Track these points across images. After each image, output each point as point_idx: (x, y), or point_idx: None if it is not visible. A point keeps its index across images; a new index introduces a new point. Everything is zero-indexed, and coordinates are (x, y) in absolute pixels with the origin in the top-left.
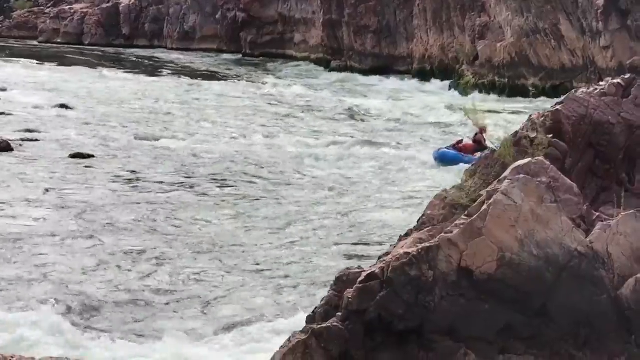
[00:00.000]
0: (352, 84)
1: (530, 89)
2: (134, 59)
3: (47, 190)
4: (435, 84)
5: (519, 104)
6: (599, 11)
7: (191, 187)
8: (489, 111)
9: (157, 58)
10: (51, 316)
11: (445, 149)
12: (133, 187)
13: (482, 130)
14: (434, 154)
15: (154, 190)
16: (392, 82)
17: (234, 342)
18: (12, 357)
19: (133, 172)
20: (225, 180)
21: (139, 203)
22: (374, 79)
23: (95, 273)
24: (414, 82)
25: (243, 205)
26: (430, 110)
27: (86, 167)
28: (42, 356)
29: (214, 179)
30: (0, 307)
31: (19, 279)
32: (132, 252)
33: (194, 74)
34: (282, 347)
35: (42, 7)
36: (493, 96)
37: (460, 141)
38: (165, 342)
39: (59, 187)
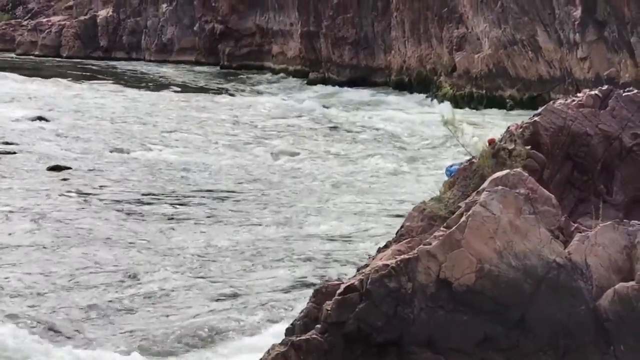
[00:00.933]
0: (327, 93)
1: (508, 100)
2: (112, 72)
3: (24, 202)
4: (413, 95)
5: (497, 115)
6: (576, 22)
7: (163, 200)
8: (468, 122)
9: (135, 70)
10: (20, 329)
11: (457, 165)
12: (108, 199)
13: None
14: (446, 171)
15: (129, 202)
16: (367, 94)
17: (211, 357)
18: None
19: (108, 184)
20: (198, 191)
21: (113, 216)
22: (354, 92)
23: (66, 285)
24: (392, 94)
25: (215, 217)
26: (407, 122)
27: (63, 179)
28: None
29: (187, 191)
30: None
31: None
32: (104, 265)
33: (171, 86)
34: (261, 359)
35: (19, 20)
36: (470, 108)
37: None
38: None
39: (36, 200)
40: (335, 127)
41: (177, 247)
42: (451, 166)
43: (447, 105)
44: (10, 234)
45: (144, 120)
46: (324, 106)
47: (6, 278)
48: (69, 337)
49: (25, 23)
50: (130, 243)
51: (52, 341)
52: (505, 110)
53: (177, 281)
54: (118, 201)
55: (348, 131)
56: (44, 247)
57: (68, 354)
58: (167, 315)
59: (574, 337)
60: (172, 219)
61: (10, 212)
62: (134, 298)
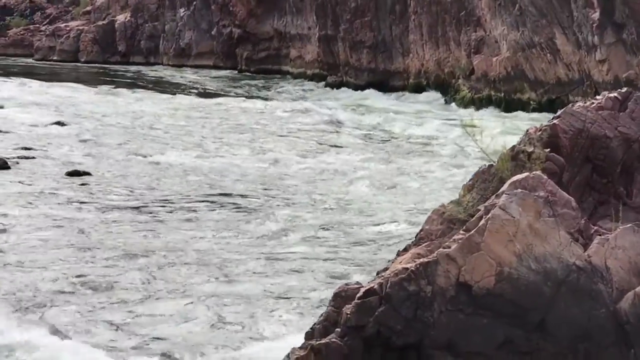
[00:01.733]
0: (347, 101)
1: (527, 103)
2: (130, 76)
3: (43, 208)
4: (431, 98)
5: (516, 118)
6: (594, 25)
7: (184, 203)
8: (486, 126)
9: (153, 75)
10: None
11: None
12: (128, 204)
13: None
14: None
15: (149, 207)
16: (386, 99)
17: None
18: None
19: (128, 188)
20: (220, 196)
21: (134, 220)
22: (378, 97)
23: (86, 291)
24: (408, 97)
25: (237, 221)
26: (427, 126)
27: (82, 184)
28: None
29: (209, 195)
30: None
31: (8, 297)
32: (125, 270)
33: (189, 90)
34: None
35: (37, 25)
36: (489, 110)
37: None
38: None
39: (55, 205)
40: (359, 131)
41: (199, 250)
42: None
43: (470, 109)
44: (29, 240)
45: (163, 125)
46: (346, 110)
47: (27, 284)
48: (97, 343)
49: (43, 28)
50: (151, 247)
51: (78, 344)
52: (523, 113)
53: (199, 285)
54: (138, 205)
55: (373, 135)
56: (63, 253)
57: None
58: (190, 318)
59: (594, 340)
60: (193, 222)
61: (29, 216)
62: (158, 302)
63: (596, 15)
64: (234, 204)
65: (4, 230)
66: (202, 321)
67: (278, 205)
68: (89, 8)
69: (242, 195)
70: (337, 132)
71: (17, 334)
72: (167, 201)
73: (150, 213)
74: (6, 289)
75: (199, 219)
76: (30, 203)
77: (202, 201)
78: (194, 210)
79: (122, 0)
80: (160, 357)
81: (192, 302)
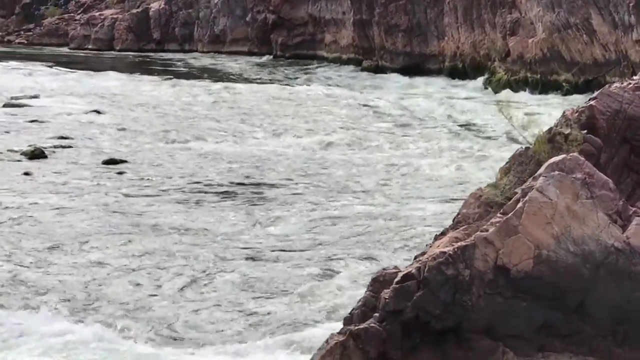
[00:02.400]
0: (382, 84)
1: (563, 84)
2: (165, 64)
3: (81, 196)
4: (468, 82)
5: (552, 100)
6: (631, 4)
7: (223, 190)
8: (523, 108)
9: (188, 62)
10: (88, 325)
11: None
12: (165, 189)
13: None
14: None
15: (186, 192)
16: (421, 80)
17: (272, 344)
18: None
19: (164, 175)
20: (256, 181)
21: (171, 206)
22: (402, 78)
23: (124, 275)
24: (446, 80)
25: (273, 205)
26: (463, 110)
27: (119, 172)
28: None
29: (246, 181)
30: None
31: (48, 282)
32: (164, 257)
33: (224, 76)
34: (319, 349)
35: (72, 14)
36: (525, 93)
37: None
38: (201, 346)
39: (92, 193)
40: (403, 117)
41: (236, 236)
42: None
43: (504, 93)
44: (69, 228)
45: (199, 112)
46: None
47: (71, 273)
48: (128, 327)
49: (78, 17)
50: (189, 232)
51: (118, 332)
52: (560, 95)
53: (240, 269)
54: (175, 191)
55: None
56: (101, 240)
57: (131, 344)
58: (232, 301)
59: (633, 322)
60: (230, 207)
61: (67, 207)
62: (195, 287)
63: None
64: (267, 189)
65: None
66: (243, 303)
67: (321, 193)
68: None
69: (276, 183)
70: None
71: (73, 322)
72: (203, 184)
73: (187, 196)
74: (60, 275)
75: (234, 203)
76: (67, 192)
77: (238, 184)
78: (229, 193)
79: None
80: (196, 331)
81: (224, 283)
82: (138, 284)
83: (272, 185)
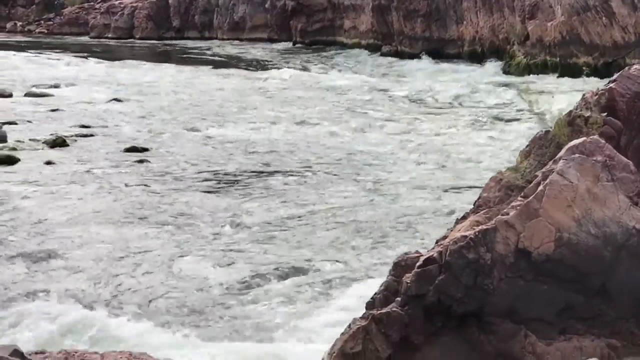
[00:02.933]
0: (402, 69)
1: (583, 67)
2: (185, 51)
3: (102, 184)
4: (488, 66)
5: (572, 82)
6: None
7: (239, 175)
8: (542, 91)
9: (208, 49)
10: (108, 312)
11: None
12: (185, 176)
13: None
14: None
15: (205, 179)
16: (441, 65)
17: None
18: (75, 353)
19: (184, 162)
20: (275, 167)
21: (191, 191)
22: (423, 63)
23: (145, 260)
24: (464, 65)
25: (294, 191)
26: (483, 94)
27: (140, 160)
28: (105, 351)
29: (264, 167)
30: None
31: (71, 269)
32: (185, 241)
33: (245, 64)
34: (342, 333)
35: (92, 3)
36: (545, 76)
37: None
38: (225, 333)
39: (114, 181)
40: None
41: (254, 220)
42: None
43: (524, 78)
44: (92, 214)
45: (218, 99)
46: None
47: (95, 258)
48: (153, 316)
49: (97, 6)
50: (209, 217)
51: (142, 321)
52: (580, 77)
53: (261, 253)
54: (194, 177)
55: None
56: (125, 227)
57: (159, 336)
58: (255, 286)
59: None
60: (248, 193)
61: (90, 195)
62: (220, 273)
63: None
64: (284, 174)
65: (60, 206)
66: (264, 285)
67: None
68: None
69: (293, 168)
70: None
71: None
72: (221, 171)
73: (206, 183)
74: (82, 260)
75: (253, 188)
76: (90, 180)
77: (254, 171)
78: (247, 179)
79: None
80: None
81: (243, 262)
82: (158, 266)
83: (293, 170)
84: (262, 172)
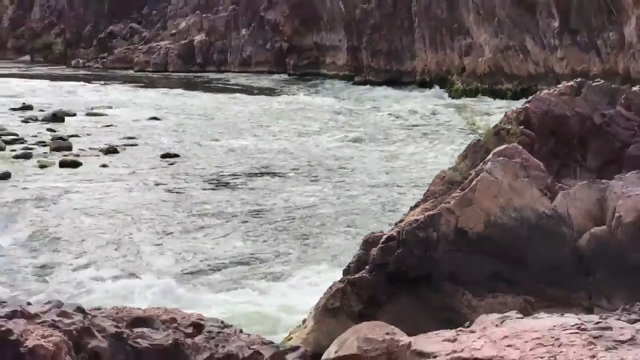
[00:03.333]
0: (370, 94)
1: (506, 92)
2: (206, 81)
3: (144, 180)
4: (434, 91)
5: (498, 104)
6: (555, 31)
7: (250, 175)
8: (475, 110)
9: (224, 80)
10: (158, 279)
11: None
12: (207, 176)
13: None
14: None
15: (225, 178)
16: (397, 91)
17: (282, 289)
18: (123, 308)
19: (207, 165)
20: (280, 169)
21: (211, 188)
22: (384, 90)
23: (184, 239)
24: (416, 91)
25: (293, 187)
26: (431, 113)
27: (172, 163)
28: (146, 307)
29: (267, 168)
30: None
31: (117, 244)
32: (205, 219)
33: (252, 90)
34: (325, 293)
35: (136, 45)
36: (477, 98)
37: None
38: (246, 292)
39: (151, 179)
40: (393, 118)
41: (262, 208)
42: None
43: (461, 100)
44: (132, 205)
45: (233, 116)
46: (364, 103)
47: (134, 235)
48: (198, 283)
49: (140, 47)
50: (216, 203)
51: (188, 287)
52: (504, 100)
53: (266, 233)
54: (218, 179)
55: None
56: (159, 211)
57: (200, 296)
58: (271, 257)
59: (560, 270)
60: (257, 188)
61: (130, 191)
62: (239, 248)
63: (556, 23)
64: (280, 174)
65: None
66: (269, 257)
67: (310, 176)
68: (174, 31)
69: (289, 169)
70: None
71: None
72: (236, 172)
73: (223, 181)
74: (131, 235)
75: (260, 185)
76: (135, 178)
77: (256, 175)
78: (257, 178)
79: (199, 24)
80: (249, 271)
81: (259, 240)
82: (181, 239)
83: (294, 170)
84: (258, 173)
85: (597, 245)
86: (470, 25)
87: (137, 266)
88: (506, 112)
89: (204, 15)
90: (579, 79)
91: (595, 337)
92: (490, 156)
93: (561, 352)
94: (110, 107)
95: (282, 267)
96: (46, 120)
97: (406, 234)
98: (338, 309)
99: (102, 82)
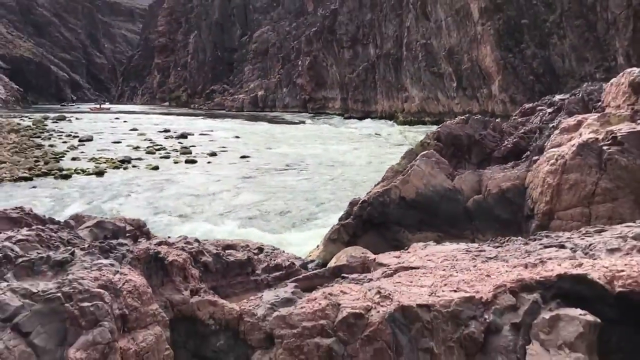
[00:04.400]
0: (352, 123)
1: (427, 122)
2: (265, 117)
3: (230, 171)
4: (386, 122)
5: (423, 129)
6: (454, 87)
7: (288, 168)
8: (411, 132)
9: (273, 116)
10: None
11: None
12: (266, 167)
13: None
14: None
15: (274, 169)
16: (368, 122)
17: (305, 230)
18: (219, 240)
19: (266, 162)
20: (304, 163)
21: (269, 174)
22: (361, 122)
23: (251, 203)
24: (378, 122)
25: (314, 174)
26: (384, 133)
27: (246, 161)
28: (232, 239)
29: (299, 163)
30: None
31: (217, 205)
32: (263, 191)
33: (288, 122)
34: (329, 231)
35: (226, 97)
36: (412, 126)
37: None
38: (287, 230)
39: (236, 167)
40: (366, 136)
41: (295, 186)
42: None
43: (403, 127)
44: (223, 183)
45: (279, 135)
46: (348, 127)
47: (220, 201)
48: (263, 226)
49: (228, 97)
50: (274, 185)
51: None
52: (427, 127)
53: (297, 199)
54: (270, 169)
55: (358, 135)
56: (238, 186)
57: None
58: (294, 211)
59: (457, 219)
60: (292, 174)
61: (223, 175)
62: (281, 207)
63: (454, 84)
64: (309, 170)
65: (215, 178)
66: (292, 210)
67: (319, 169)
68: (247, 89)
69: (309, 163)
70: (357, 136)
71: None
72: (282, 166)
73: (275, 171)
74: (221, 201)
75: (293, 172)
76: (226, 169)
77: (291, 167)
78: (293, 169)
79: (260, 85)
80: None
81: (293, 204)
82: (247, 202)
83: (314, 166)
84: (292, 166)
85: (477, 205)
86: (407, 85)
87: (225, 216)
88: (427, 133)
89: (262, 80)
90: (467, 115)
91: (476, 255)
92: (418, 157)
93: (457, 262)
94: (212, 130)
95: (307, 217)
96: (177, 137)
97: (372, 199)
98: (336, 239)
99: (207, 117)
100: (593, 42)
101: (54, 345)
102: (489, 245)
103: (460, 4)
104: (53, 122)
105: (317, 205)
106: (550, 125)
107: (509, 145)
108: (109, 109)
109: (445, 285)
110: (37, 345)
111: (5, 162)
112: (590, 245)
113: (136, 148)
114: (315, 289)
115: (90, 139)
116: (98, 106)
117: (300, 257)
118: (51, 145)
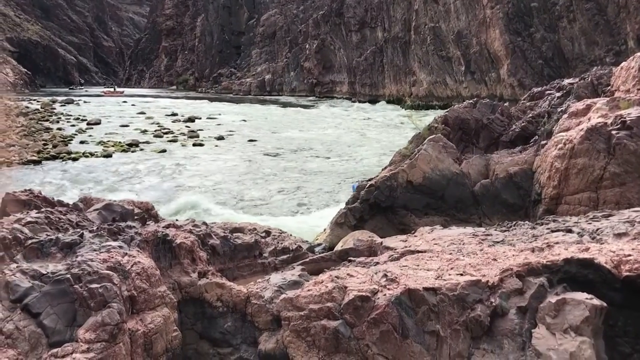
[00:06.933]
0: (359, 107)
1: (436, 106)
2: (272, 100)
3: (237, 154)
4: (394, 106)
5: (431, 113)
6: (462, 72)
7: (296, 151)
8: (419, 117)
9: (281, 100)
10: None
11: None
12: (273, 152)
13: None
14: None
15: (280, 152)
16: (378, 106)
17: (312, 214)
18: (226, 223)
19: (272, 146)
20: (309, 147)
21: (276, 158)
22: (371, 105)
23: (256, 184)
24: (386, 106)
25: (321, 158)
26: (394, 117)
27: (253, 145)
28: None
29: (305, 147)
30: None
31: (223, 186)
32: (270, 175)
33: (296, 105)
34: (336, 215)
35: (233, 80)
36: (420, 110)
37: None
38: (291, 214)
39: (242, 151)
40: (375, 120)
41: (299, 169)
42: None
43: (410, 111)
44: (230, 166)
45: (286, 118)
46: (359, 112)
47: (228, 180)
48: (264, 210)
49: (236, 81)
50: (279, 167)
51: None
52: (435, 110)
53: (300, 181)
54: (277, 153)
55: (371, 119)
56: (245, 170)
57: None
58: (298, 197)
59: (464, 203)
60: (296, 157)
61: (230, 159)
62: (281, 192)
63: (463, 68)
64: (316, 154)
65: (223, 161)
66: (298, 193)
67: (320, 152)
68: (254, 73)
69: (315, 147)
70: (365, 119)
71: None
72: (289, 150)
73: (281, 155)
74: (223, 183)
75: (303, 156)
76: (234, 152)
77: (298, 151)
78: (302, 153)
79: (268, 69)
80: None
81: (297, 185)
82: (251, 181)
83: (316, 150)
84: (298, 150)
85: (484, 189)
86: (415, 69)
87: (233, 199)
88: (435, 117)
89: (270, 64)
90: (475, 99)
91: (482, 239)
92: (425, 141)
93: (464, 246)
94: (219, 114)
95: (310, 201)
96: (184, 121)
97: (380, 183)
98: (343, 223)
99: (214, 101)
100: (603, 25)
101: (64, 326)
102: (495, 229)
103: None
104: (61, 106)
105: (325, 190)
106: (559, 109)
107: (517, 130)
108: (122, 91)
109: (451, 268)
110: (47, 325)
111: (14, 145)
112: (597, 229)
113: (144, 131)
114: (322, 272)
115: (98, 123)
116: (112, 89)
117: (307, 241)
118: (59, 129)
